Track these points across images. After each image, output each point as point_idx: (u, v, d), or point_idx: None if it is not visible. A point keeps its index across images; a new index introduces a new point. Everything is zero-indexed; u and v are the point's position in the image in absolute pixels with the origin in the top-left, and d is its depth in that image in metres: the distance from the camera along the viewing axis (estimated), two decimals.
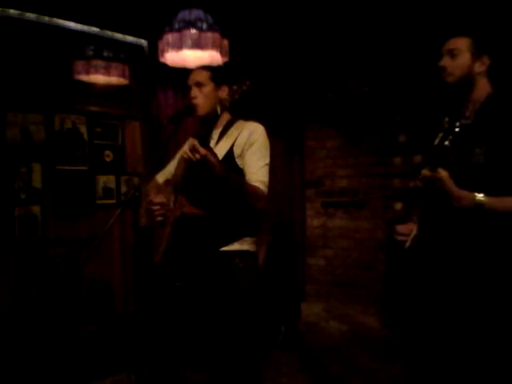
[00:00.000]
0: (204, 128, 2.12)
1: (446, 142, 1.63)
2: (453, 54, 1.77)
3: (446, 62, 1.79)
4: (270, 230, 3.87)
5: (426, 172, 1.65)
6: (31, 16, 3.26)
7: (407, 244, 1.85)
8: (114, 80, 3.52)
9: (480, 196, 1.58)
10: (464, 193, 1.61)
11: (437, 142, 1.77)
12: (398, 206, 4.42)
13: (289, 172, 5.00)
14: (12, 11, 3.18)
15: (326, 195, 4.99)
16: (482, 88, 1.78)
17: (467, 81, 1.78)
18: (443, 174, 1.61)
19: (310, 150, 5.07)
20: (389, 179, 4.54)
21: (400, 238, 1.89)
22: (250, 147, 1.99)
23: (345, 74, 4.59)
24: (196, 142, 1.79)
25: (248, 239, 2.03)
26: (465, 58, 1.76)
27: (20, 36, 3.26)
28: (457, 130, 1.65)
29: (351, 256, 4.83)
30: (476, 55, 1.76)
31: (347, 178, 4.86)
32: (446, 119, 1.82)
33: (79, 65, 3.34)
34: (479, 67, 1.76)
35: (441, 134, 1.75)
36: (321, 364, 3.30)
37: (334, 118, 4.83)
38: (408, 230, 1.88)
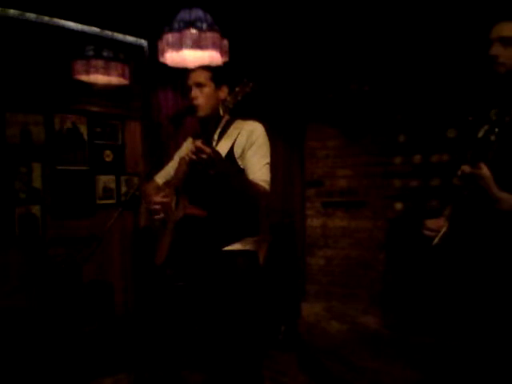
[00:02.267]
0: (205, 129, 2.12)
1: (492, 137, 1.48)
2: (506, 41, 1.60)
3: (497, 50, 1.62)
4: (270, 229, 3.87)
5: (466, 168, 1.52)
6: (31, 16, 3.26)
7: (435, 241, 1.73)
8: (114, 80, 3.52)
9: None
10: (506, 195, 1.50)
11: (481, 135, 1.60)
12: (398, 205, 4.42)
13: (289, 172, 5.00)
14: (12, 11, 3.18)
15: (326, 195, 4.99)
16: None
17: None
18: (485, 171, 1.48)
19: (310, 150, 5.07)
20: (389, 179, 4.54)
21: (428, 233, 1.78)
22: (250, 147, 1.99)
23: (345, 73, 4.60)
24: (200, 143, 1.78)
25: (249, 239, 2.04)
26: None
27: (20, 36, 3.25)
28: (505, 123, 1.49)
29: (351, 256, 4.83)
30: None
31: (347, 178, 4.86)
32: (494, 111, 1.66)
33: (79, 65, 3.34)
34: None
35: (486, 127, 1.58)
36: (321, 364, 3.30)
37: (334, 117, 4.83)
38: (437, 226, 1.76)
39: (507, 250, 1.56)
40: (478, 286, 1.65)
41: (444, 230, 1.73)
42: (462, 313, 1.74)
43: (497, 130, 1.47)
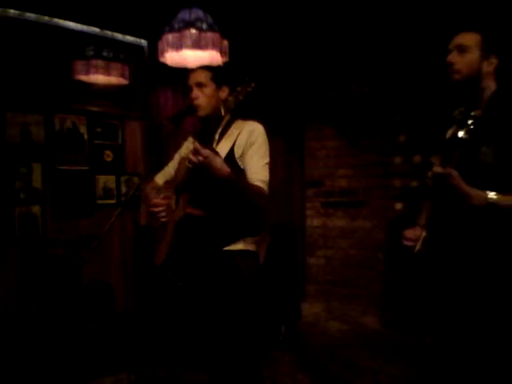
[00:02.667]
0: (206, 129, 2.12)
1: (461, 134, 1.57)
2: (461, 49, 1.70)
3: (453, 57, 1.72)
4: (270, 229, 3.87)
5: (437, 169, 1.59)
6: (31, 16, 3.26)
7: (417, 248, 1.81)
8: (113, 80, 3.52)
9: (492, 194, 1.55)
10: (476, 191, 1.57)
11: (449, 135, 1.69)
12: (398, 205, 4.42)
13: (289, 172, 5.00)
14: (12, 11, 3.18)
15: (325, 195, 4.99)
16: (488, 87, 1.72)
17: (474, 80, 1.71)
18: (453, 170, 1.56)
19: (310, 150, 5.07)
20: (389, 179, 4.54)
21: (408, 243, 1.86)
22: (250, 147, 1.99)
23: (345, 73, 4.60)
24: (198, 144, 1.79)
25: (249, 239, 2.04)
26: (474, 54, 1.69)
27: (20, 36, 3.25)
28: (470, 122, 1.58)
29: (351, 256, 4.83)
30: (485, 54, 1.69)
31: (347, 178, 4.86)
32: (457, 112, 1.76)
33: (79, 65, 3.34)
34: (487, 67, 1.70)
35: (452, 129, 1.68)
36: (321, 364, 3.30)
37: (334, 117, 4.84)
38: (415, 235, 1.85)
39: (486, 243, 1.63)
40: (462, 282, 1.70)
41: (423, 235, 1.82)
42: (454, 311, 1.76)
43: (465, 129, 1.57)
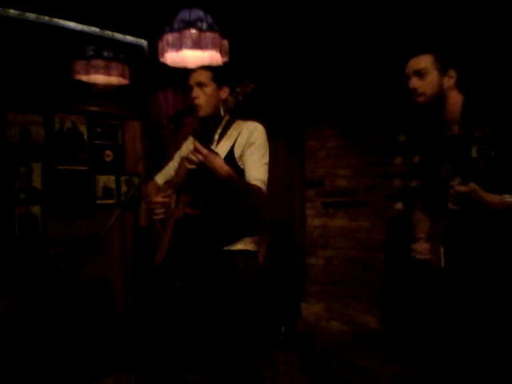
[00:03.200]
0: (206, 129, 2.12)
1: (474, 153, 1.57)
2: (420, 73, 1.77)
3: (415, 83, 1.79)
4: (270, 229, 3.87)
5: (460, 188, 1.56)
6: (31, 16, 3.26)
7: (442, 264, 1.80)
8: (114, 80, 3.52)
9: (507, 196, 1.57)
10: (495, 197, 1.59)
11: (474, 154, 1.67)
12: (398, 205, 4.42)
13: (289, 172, 5.00)
14: (12, 11, 3.18)
15: (326, 195, 4.99)
16: (455, 99, 1.78)
17: (439, 98, 1.78)
18: (475, 185, 1.56)
19: (310, 150, 5.07)
20: (389, 179, 4.53)
21: (421, 256, 1.88)
22: (250, 147, 1.99)
23: (345, 73, 4.59)
24: (198, 144, 1.79)
25: (249, 239, 2.04)
26: (433, 75, 1.76)
27: (20, 36, 3.25)
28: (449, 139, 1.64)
29: (351, 256, 4.83)
30: (442, 71, 1.75)
31: (347, 178, 4.85)
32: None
33: (79, 65, 3.34)
34: (448, 82, 1.76)
35: (478, 147, 1.65)
36: (321, 364, 3.30)
37: (334, 117, 4.83)
38: (425, 249, 1.87)
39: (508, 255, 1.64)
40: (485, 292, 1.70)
41: (442, 251, 1.81)
42: (461, 314, 1.76)
43: (483, 147, 1.56)
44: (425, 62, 1.77)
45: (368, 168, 4.70)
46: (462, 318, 1.77)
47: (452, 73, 1.77)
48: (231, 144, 2.01)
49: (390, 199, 4.51)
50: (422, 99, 1.80)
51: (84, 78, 3.40)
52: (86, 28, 3.51)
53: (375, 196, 4.68)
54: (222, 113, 2.00)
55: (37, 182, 3.40)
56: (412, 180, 4.37)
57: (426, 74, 1.76)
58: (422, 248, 1.89)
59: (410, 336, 3.63)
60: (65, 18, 3.40)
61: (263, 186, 1.96)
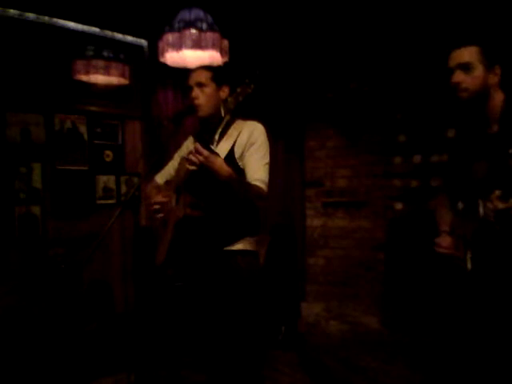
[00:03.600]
0: (206, 129, 2.12)
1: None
2: (465, 67, 1.67)
3: (459, 76, 1.69)
4: (270, 229, 3.87)
5: (500, 204, 1.51)
6: (31, 16, 3.26)
7: (469, 266, 1.76)
8: (114, 80, 3.52)
9: None
10: None
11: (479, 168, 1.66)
12: (398, 205, 4.42)
13: (289, 172, 5.00)
14: (12, 11, 3.18)
15: (326, 195, 4.99)
16: (497, 98, 1.70)
17: (483, 95, 1.69)
18: None
19: (310, 150, 5.07)
20: (389, 179, 4.54)
21: (444, 251, 1.82)
22: (250, 147, 1.99)
23: (345, 73, 4.60)
24: (198, 145, 1.79)
25: (249, 239, 2.04)
26: (479, 70, 1.66)
27: (20, 36, 3.25)
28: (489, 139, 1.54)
29: (351, 256, 4.83)
30: (488, 66, 1.67)
31: (347, 178, 4.86)
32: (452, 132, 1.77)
33: (79, 65, 3.34)
34: (492, 79, 1.68)
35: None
36: (321, 364, 3.30)
37: (333, 117, 4.84)
38: (448, 243, 1.81)
39: None
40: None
41: (469, 255, 1.75)
42: (466, 315, 1.75)
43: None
44: (470, 54, 1.67)
45: (368, 168, 4.70)
46: (488, 322, 1.72)
47: (498, 70, 1.68)
48: (231, 144, 2.01)
49: (390, 199, 4.51)
50: (464, 95, 1.69)
51: (84, 77, 3.40)
52: (86, 28, 3.51)
53: (375, 196, 4.68)
54: (223, 113, 2.00)
55: (37, 181, 3.40)
56: (412, 180, 4.37)
57: (472, 68, 1.66)
58: (446, 242, 1.81)
59: (411, 335, 3.63)
60: (65, 18, 3.40)
61: (264, 187, 1.96)
